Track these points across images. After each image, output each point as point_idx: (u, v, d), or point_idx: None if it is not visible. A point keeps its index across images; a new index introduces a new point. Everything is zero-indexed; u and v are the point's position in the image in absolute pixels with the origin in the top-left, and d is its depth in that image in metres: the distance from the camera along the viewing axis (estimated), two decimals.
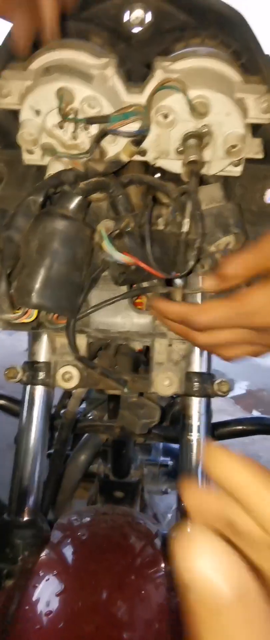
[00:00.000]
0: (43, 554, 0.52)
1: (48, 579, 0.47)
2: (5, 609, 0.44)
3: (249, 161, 0.52)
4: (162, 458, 1.27)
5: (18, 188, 0.55)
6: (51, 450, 0.77)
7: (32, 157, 0.52)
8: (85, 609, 0.43)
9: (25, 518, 0.56)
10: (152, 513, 1.14)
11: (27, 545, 0.54)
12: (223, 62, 0.45)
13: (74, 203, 0.46)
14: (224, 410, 2.70)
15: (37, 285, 0.44)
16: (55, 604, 0.43)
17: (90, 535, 0.55)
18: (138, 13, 0.43)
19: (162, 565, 0.52)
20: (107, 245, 0.43)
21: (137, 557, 0.52)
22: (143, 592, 0.47)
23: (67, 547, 0.53)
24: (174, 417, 0.93)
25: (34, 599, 0.44)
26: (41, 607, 0.43)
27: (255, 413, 2.91)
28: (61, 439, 0.67)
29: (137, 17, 0.43)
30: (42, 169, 0.57)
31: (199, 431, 0.57)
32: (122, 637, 0.42)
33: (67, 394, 0.99)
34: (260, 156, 0.48)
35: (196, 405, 0.57)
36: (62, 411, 0.98)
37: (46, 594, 0.45)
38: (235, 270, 0.39)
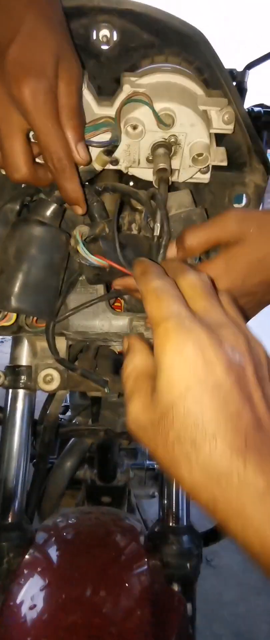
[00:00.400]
0: (27, 555, 0.53)
1: (32, 576, 0.48)
2: None
3: (217, 169, 0.55)
4: (148, 462, 1.29)
5: None
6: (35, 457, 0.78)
7: None
8: (69, 601, 0.44)
9: (10, 520, 0.57)
10: (141, 518, 1.15)
11: (12, 547, 0.55)
12: (186, 77, 0.48)
13: (49, 210, 0.48)
14: None
15: (16, 290, 0.46)
16: (39, 598, 0.45)
17: (74, 533, 0.57)
18: (105, 32, 0.46)
19: (146, 559, 0.53)
20: (81, 249, 0.46)
21: (121, 551, 0.54)
22: (126, 584, 0.49)
23: (51, 546, 0.55)
24: None
25: (18, 595, 0.46)
26: (26, 602, 0.44)
27: None
28: (44, 442, 0.68)
29: (104, 36, 0.46)
30: None
31: None
32: (105, 627, 0.43)
33: (51, 399, 1.00)
34: (224, 164, 0.52)
35: None
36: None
37: (31, 589, 0.47)
38: (194, 242, 0.43)
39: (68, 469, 0.97)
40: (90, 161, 0.46)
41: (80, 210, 0.45)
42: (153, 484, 1.30)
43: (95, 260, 0.46)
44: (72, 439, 0.98)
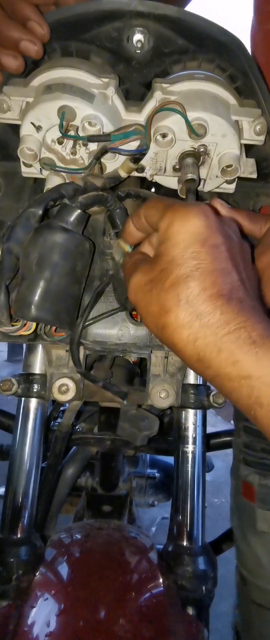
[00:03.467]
0: (38, 573, 0.51)
1: (46, 599, 0.46)
2: (2, 630, 0.43)
3: (241, 179, 0.54)
4: (149, 470, 1.27)
5: (15, 200, 0.55)
6: (43, 464, 0.76)
7: (30, 170, 0.52)
8: (87, 628, 0.42)
9: (19, 535, 0.55)
10: (137, 526, 1.14)
11: (21, 564, 0.53)
12: (220, 85, 0.46)
13: (73, 216, 0.46)
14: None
15: (37, 298, 0.44)
16: (55, 624, 0.42)
17: (86, 551, 0.55)
18: (139, 37, 0.44)
19: (161, 580, 0.52)
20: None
21: (135, 572, 0.52)
22: (144, 608, 0.47)
23: (63, 565, 0.53)
24: (164, 429, 0.93)
25: (32, 619, 0.43)
26: (40, 628, 0.42)
27: None
28: (55, 452, 0.66)
29: (138, 41, 0.44)
30: (39, 181, 0.57)
31: (194, 443, 0.58)
32: None
33: (58, 406, 0.98)
34: (254, 176, 0.51)
35: (192, 417, 0.58)
36: (52, 423, 0.97)
37: (44, 614, 0.44)
38: (132, 228, 0.44)
39: (70, 476, 0.95)
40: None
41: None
42: (153, 492, 1.28)
43: None
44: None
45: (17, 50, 0.43)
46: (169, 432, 0.96)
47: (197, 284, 0.32)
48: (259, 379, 0.29)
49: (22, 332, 0.46)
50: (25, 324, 0.46)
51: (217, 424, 2.84)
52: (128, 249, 0.46)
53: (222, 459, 2.59)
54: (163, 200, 0.38)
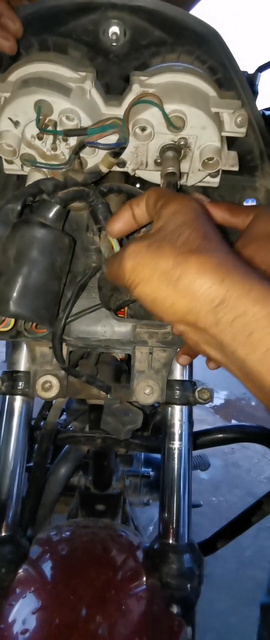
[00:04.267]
0: (20, 571, 0.50)
1: (25, 597, 0.46)
2: None
3: (227, 173, 0.53)
4: (143, 469, 1.27)
5: None
6: (31, 464, 0.75)
7: (11, 167, 0.52)
8: (63, 627, 0.42)
9: (3, 534, 0.55)
10: (134, 526, 1.13)
11: (4, 562, 0.52)
12: (199, 77, 0.46)
13: (52, 212, 0.46)
14: (204, 420, 2.72)
15: (15, 294, 0.44)
16: (32, 623, 0.42)
17: (70, 549, 0.54)
18: (115, 29, 0.44)
19: (144, 578, 0.51)
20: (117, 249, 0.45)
21: (119, 571, 0.51)
22: (124, 607, 0.46)
23: (46, 563, 0.52)
24: (155, 426, 0.93)
25: (10, 618, 0.43)
26: (17, 627, 0.42)
27: (234, 422, 2.95)
28: (41, 450, 0.66)
29: (113, 33, 0.44)
30: (22, 178, 0.57)
31: (180, 439, 0.57)
32: None
33: (48, 404, 0.97)
34: (235, 169, 0.50)
35: (178, 413, 0.58)
36: (42, 423, 0.97)
37: (23, 612, 0.44)
38: (113, 231, 0.44)
39: (63, 475, 0.94)
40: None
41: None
42: (147, 491, 1.27)
43: None
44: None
45: None
46: (161, 430, 0.95)
47: (213, 242, 0.33)
48: None
49: (1, 329, 0.46)
50: (3, 320, 0.46)
51: (216, 422, 2.83)
52: (117, 249, 0.45)
53: (221, 458, 2.58)
54: (164, 189, 0.41)
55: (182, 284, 0.32)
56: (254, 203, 0.60)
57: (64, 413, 1.15)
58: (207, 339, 0.33)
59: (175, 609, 0.52)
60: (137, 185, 0.60)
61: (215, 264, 0.31)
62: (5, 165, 0.53)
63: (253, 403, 3.21)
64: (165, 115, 0.43)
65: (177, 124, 0.45)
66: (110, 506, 1.05)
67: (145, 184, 0.56)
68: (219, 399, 3.21)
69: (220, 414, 3.04)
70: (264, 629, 0.92)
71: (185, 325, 0.35)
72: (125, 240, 0.49)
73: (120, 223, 0.42)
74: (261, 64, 0.76)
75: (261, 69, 0.76)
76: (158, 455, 1.27)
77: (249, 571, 1.86)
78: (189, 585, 0.53)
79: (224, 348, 0.31)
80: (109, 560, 0.52)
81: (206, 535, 0.98)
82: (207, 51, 0.45)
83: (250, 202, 0.59)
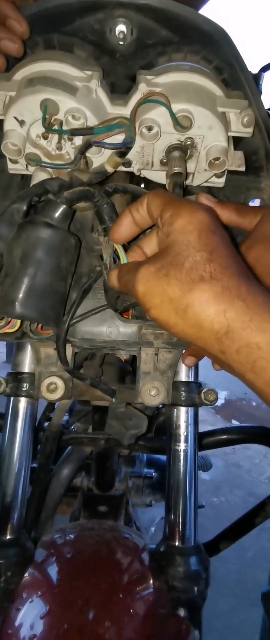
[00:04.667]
0: (26, 574, 0.50)
1: (32, 601, 0.45)
2: None
3: (232, 173, 0.53)
4: (146, 470, 1.26)
5: (2, 197, 0.54)
6: (35, 465, 0.75)
7: (16, 167, 0.52)
8: (71, 631, 0.41)
9: (8, 537, 0.54)
10: (136, 527, 1.13)
11: (9, 565, 0.52)
12: (205, 77, 0.46)
13: (58, 212, 0.45)
14: (205, 420, 2.72)
15: (21, 295, 0.43)
16: (39, 628, 0.41)
17: (76, 552, 0.54)
18: (121, 28, 0.43)
19: (151, 581, 0.51)
20: (122, 256, 0.44)
21: (125, 573, 0.51)
22: (131, 610, 0.46)
23: (51, 566, 0.52)
24: (159, 427, 0.93)
25: (17, 622, 0.43)
26: (24, 632, 0.41)
27: (235, 422, 2.95)
28: (46, 452, 0.65)
29: (120, 32, 0.43)
30: (26, 177, 0.56)
31: (186, 441, 0.57)
32: None
33: (51, 405, 0.97)
34: (242, 169, 0.50)
35: (183, 415, 0.58)
36: (46, 424, 0.97)
37: (30, 617, 0.44)
38: (115, 240, 0.44)
39: (65, 477, 0.94)
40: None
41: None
42: (150, 492, 1.27)
43: None
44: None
45: None
46: (164, 431, 0.95)
47: (218, 265, 0.33)
48: None
49: (6, 330, 0.46)
50: (9, 322, 0.45)
51: (217, 422, 2.83)
52: (122, 255, 0.44)
53: (222, 458, 2.58)
54: (167, 193, 0.39)
55: (188, 315, 0.33)
56: (259, 203, 0.60)
57: (67, 414, 1.15)
58: (218, 360, 0.35)
59: (182, 612, 0.51)
60: (142, 186, 0.60)
61: (218, 293, 0.32)
62: (10, 165, 0.52)
63: (254, 403, 3.21)
64: (172, 114, 0.43)
65: (184, 124, 0.44)
66: (113, 507, 1.05)
67: (150, 184, 0.56)
68: (219, 399, 3.21)
69: (221, 414, 3.04)
70: (268, 618, 0.92)
71: (197, 346, 0.36)
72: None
73: (122, 230, 0.43)
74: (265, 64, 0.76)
75: (265, 68, 0.75)
76: (161, 456, 1.26)
77: (251, 572, 1.86)
78: (195, 588, 0.52)
79: (233, 370, 0.34)
80: (115, 563, 0.52)
81: (208, 536, 0.97)
82: (214, 50, 0.45)
83: (255, 203, 0.59)
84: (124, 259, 0.44)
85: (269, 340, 0.31)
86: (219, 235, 0.35)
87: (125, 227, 0.42)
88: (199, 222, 0.35)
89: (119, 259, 0.45)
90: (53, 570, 0.50)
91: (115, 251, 0.46)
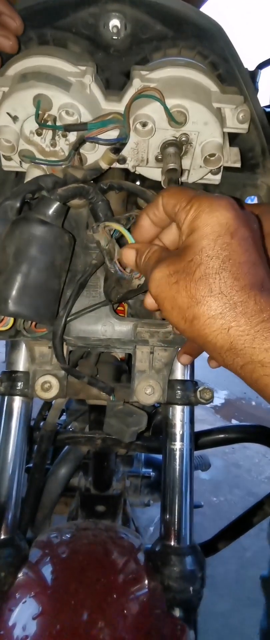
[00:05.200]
0: (20, 575, 0.49)
1: (25, 601, 0.45)
2: None
3: (228, 170, 0.53)
4: (144, 469, 1.26)
5: None
6: (30, 465, 0.74)
7: (10, 164, 0.51)
8: (64, 632, 0.41)
9: (2, 537, 0.54)
10: (134, 527, 1.12)
11: (3, 566, 0.51)
12: (200, 72, 0.45)
13: (52, 209, 0.45)
14: (205, 419, 2.72)
15: (14, 293, 0.43)
16: (32, 628, 0.41)
17: (70, 552, 0.53)
18: (115, 22, 0.43)
19: (146, 581, 0.50)
20: (129, 236, 0.43)
21: (120, 574, 0.50)
22: (125, 611, 0.45)
23: (46, 566, 0.51)
24: (156, 427, 0.92)
25: (9, 623, 0.42)
26: (17, 632, 0.41)
27: (235, 422, 2.94)
28: (41, 451, 0.65)
29: (114, 27, 0.43)
30: (20, 175, 0.56)
31: (182, 440, 0.57)
32: None
33: (47, 405, 0.96)
34: (237, 165, 0.49)
35: (179, 413, 0.57)
36: (41, 423, 0.96)
37: (23, 617, 0.43)
38: (147, 222, 0.42)
39: (62, 476, 0.94)
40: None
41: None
42: (148, 492, 1.27)
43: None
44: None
45: None
46: (161, 430, 0.94)
47: (229, 275, 0.32)
48: None
49: (0, 328, 0.45)
50: (2, 320, 0.45)
51: (216, 422, 2.83)
52: (128, 235, 0.44)
53: (221, 458, 2.58)
54: (185, 190, 0.37)
55: (195, 326, 0.33)
56: (255, 201, 0.59)
57: (64, 413, 1.14)
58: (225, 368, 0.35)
59: (177, 612, 0.51)
60: (137, 182, 0.59)
61: (224, 310, 0.32)
62: (3, 162, 0.52)
63: (253, 403, 3.21)
64: (167, 110, 0.43)
65: (179, 119, 0.44)
66: (111, 507, 1.04)
67: (146, 181, 0.55)
68: (219, 398, 3.21)
69: (220, 413, 3.04)
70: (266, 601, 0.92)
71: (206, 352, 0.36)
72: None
73: (144, 233, 0.42)
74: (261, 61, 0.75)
75: (261, 66, 0.75)
76: (159, 456, 1.26)
77: (250, 572, 1.85)
78: (191, 588, 0.52)
79: (239, 377, 0.34)
80: (110, 563, 0.51)
81: (207, 536, 0.97)
82: (209, 45, 0.44)
83: (253, 200, 0.59)
84: (130, 239, 0.43)
85: None
86: (238, 236, 0.33)
87: (145, 230, 0.42)
88: (216, 224, 0.33)
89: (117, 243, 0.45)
90: (47, 571, 0.50)
91: (118, 233, 0.46)
